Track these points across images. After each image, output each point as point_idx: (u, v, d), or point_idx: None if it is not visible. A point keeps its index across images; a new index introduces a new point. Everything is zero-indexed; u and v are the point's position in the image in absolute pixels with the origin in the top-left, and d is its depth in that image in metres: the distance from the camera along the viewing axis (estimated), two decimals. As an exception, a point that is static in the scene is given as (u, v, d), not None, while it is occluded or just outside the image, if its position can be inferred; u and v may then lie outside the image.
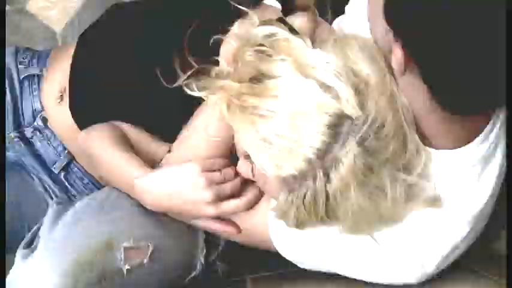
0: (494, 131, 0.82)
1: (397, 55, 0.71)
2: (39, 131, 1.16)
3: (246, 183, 0.91)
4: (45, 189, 1.15)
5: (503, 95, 0.70)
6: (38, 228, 0.94)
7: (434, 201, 0.81)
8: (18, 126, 1.16)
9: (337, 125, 0.72)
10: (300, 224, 0.79)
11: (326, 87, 0.73)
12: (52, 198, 1.12)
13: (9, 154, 1.15)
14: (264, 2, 0.98)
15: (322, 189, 0.74)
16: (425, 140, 0.80)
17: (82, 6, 1.53)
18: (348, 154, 0.72)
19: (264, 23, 0.83)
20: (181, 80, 0.90)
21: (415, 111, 0.78)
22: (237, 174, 0.90)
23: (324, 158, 0.73)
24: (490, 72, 0.66)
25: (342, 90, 0.72)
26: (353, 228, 0.79)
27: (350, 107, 0.72)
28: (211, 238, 1.02)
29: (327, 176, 0.73)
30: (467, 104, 0.74)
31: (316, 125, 0.72)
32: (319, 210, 0.75)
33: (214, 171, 0.89)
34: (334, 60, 0.75)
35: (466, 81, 0.69)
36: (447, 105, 0.73)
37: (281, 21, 0.84)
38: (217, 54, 0.92)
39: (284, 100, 0.74)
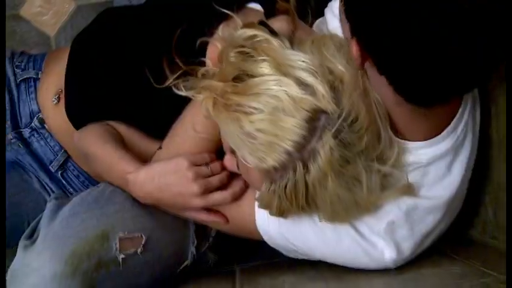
0: (462, 122, 0.87)
1: (353, 50, 0.76)
2: (37, 132, 1.19)
3: (233, 176, 0.95)
4: (43, 187, 1.19)
5: (460, 85, 0.74)
6: (38, 221, 0.97)
7: (408, 190, 0.85)
8: (16, 127, 1.20)
9: (314, 119, 0.75)
10: (282, 213, 0.83)
11: (303, 85, 0.76)
12: (50, 196, 1.14)
13: (8, 154, 1.19)
14: (248, 5, 1.01)
15: (301, 179, 0.77)
16: (397, 132, 0.84)
17: (74, 11, 1.55)
18: (325, 146, 0.75)
19: (246, 25, 0.86)
20: (170, 80, 0.93)
21: (386, 105, 0.82)
22: (223, 168, 0.94)
23: (303, 151, 0.76)
24: (443, 64, 0.69)
25: (318, 87, 0.76)
26: (332, 216, 0.83)
27: (326, 102, 0.75)
28: (201, 230, 1.06)
29: (306, 167, 0.76)
30: (426, 96, 0.76)
31: (294, 120, 0.75)
32: (300, 199, 0.79)
33: (201, 165, 0.93)
34: (311, 60, 0.78)
35: (421, 74, 0.71)
36: (408, 97, 0.76)
37: (262, 23, 0.87)
38: (204, 56, 0.95)
39: (265, 97, 0.77)
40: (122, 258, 0.92)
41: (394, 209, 0.85)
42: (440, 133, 0.86)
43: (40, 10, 1.55)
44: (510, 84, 0.80)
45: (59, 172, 1.19)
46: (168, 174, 0.92)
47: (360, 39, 0.74)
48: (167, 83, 0.93)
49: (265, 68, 0.79)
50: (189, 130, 0.94)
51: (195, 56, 0.95)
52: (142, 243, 0.95)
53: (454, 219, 0.95)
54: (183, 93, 0.90)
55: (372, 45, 0.72)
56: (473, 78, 0.73)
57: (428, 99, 0.77)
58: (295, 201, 0.79)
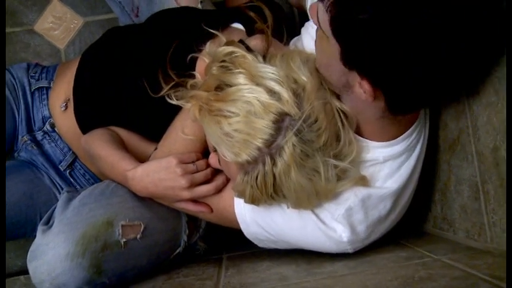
0: (417, 128, 1.05)
1: (366, 88, 0.90)
2: (48, 135, 1.38)
3: (216, 173, 1.12)
4: (53, 184, 1.37)
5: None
6: (53, 211, 1.15)
7: (362, 181, 1.02)
8: (30, 130, 1.39)
9: (280, 120, 0.91)
10: (254, 201, 0.99)
11: (272, 92, 0.93)
12: (59, 191, 1.34)
13: (23, 154, 1.38)
14: (232, 25, 1.21)
15: (270, 171, 0.93)
16: (363, 133, 1.02)
17: (82, 27, 1.74)
18: (288, 143, 0.91)
19: (226, 43, 1.04)
20: (164, 91, 1.10)
21: (364, 118, 0.99)
22: (208, 165, 1.11)
23: (271, 147, 0.92)
24: (431, 87, 0.89)
25: (283, 94, 0.92)
26: (297, 203, 1.00)
27: (289, 106, 0.92)
28: (193, 222, 1.24)
29: (273, 160, 0.92)
30: (409, 107, 0.97)
31: (264, 122, 0.91)
32: (268, 188, 0.95)
33: (189, 163, 1.10)
34: (278, 71, 0.95)
35: (414, 93, 0.90)
36: (396, 111, 0.96)
37: (241, 41, 1.06)
38: (194, 69, 1.12)
39: (240, 103, 0.93)
40: (124, 242, 1.10)
41: (351, 197, 1.02)
42: (398, 137, 1.04)
43: (52, 26, 1.74)
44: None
45: (68, 171, 1.38)
46: (160, 171, 1.09)
47: (374, 81, 0.90)
48: (162, 93, 1.10)
49: (240, 78, 0.96)
50: (179, 133, 1.12)
51: (186, 69, 1.12)
52: (141, 230, 1.13)
53: (411, 215, 1.13)
54: (174, 102, 1.07)
55: (385, 83, 0.90)
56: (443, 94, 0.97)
57: (409, 110, 0.99)
58: (264, 190, 0.96)
